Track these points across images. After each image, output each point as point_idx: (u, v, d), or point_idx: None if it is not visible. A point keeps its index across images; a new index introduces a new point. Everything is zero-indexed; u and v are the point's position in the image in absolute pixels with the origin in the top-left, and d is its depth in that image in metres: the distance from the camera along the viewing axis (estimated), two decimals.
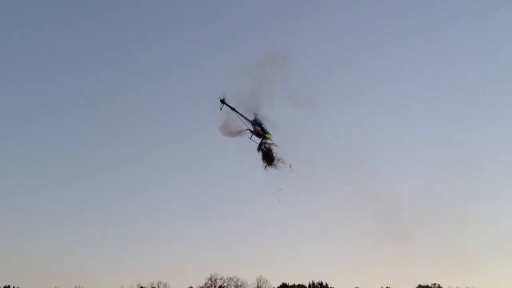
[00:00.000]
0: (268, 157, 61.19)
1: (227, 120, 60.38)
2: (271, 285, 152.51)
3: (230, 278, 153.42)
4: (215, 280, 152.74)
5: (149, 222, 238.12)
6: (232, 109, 58.77)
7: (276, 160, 60.85)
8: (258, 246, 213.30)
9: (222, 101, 57.99)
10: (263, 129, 59.99)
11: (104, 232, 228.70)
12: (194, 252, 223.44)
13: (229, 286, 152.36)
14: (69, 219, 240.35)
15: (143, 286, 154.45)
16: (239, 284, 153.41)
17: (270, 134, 60.53)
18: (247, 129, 59.92)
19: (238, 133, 61.04)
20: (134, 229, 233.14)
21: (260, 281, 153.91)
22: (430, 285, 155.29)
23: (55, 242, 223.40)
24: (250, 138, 60.25)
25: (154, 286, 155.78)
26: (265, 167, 61.12)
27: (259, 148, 60.89)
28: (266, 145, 60.76)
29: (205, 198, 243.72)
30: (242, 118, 59.35)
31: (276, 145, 61.27)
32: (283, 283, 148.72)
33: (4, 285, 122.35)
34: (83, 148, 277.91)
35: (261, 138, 60.57)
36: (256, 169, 62.00)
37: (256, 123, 59.89)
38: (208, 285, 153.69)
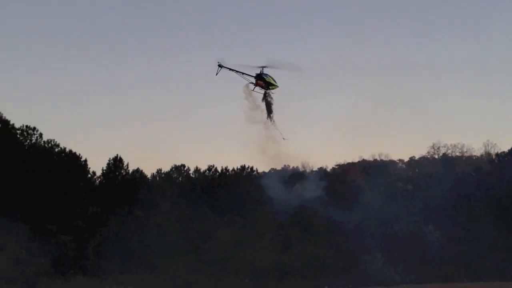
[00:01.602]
0: (268, 110, 67.79)
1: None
2: (500, 149, 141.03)
3: (454, 145, 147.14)
4: (438, 148, 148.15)
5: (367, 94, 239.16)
6: (231, 69, 63.34)
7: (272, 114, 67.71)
8: (485, 110, 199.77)
9: (220, 65, 62.57)
10: (265, 82, 64.34)
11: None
12: (415, 122, 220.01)
13: (453, 153, 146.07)
14: None
15: (365, 158, 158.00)
16: (465, 150, 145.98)
17: (275, 85, 65.03)
18: (250, 82, 64.71)
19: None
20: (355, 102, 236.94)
21: (488, 145, 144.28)
22: None
23: None
24: (253, 90, 65.43)
25: (375, 158, 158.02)
26: (267, 116, 67.88)
27: (263, 99, 66.50)
28: (268, 98, 66.71)
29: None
30: (244, 76, 64.43)
31: (272, 102, 67.55)
32: None
33: None
34: None
35: (265, 90, 65.52)
36: None
37: (259, 77, 64.19)
38: (431, 153, 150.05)
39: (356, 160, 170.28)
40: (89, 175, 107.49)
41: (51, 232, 78.29)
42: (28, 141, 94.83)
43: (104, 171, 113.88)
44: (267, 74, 64.64)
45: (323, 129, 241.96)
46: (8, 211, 71.47)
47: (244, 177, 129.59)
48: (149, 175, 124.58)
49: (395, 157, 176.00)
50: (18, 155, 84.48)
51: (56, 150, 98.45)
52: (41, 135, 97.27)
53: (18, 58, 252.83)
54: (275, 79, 65.16)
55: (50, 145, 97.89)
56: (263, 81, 64.32)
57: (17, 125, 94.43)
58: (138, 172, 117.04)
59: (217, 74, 63.04)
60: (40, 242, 77.31)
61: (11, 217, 71.53)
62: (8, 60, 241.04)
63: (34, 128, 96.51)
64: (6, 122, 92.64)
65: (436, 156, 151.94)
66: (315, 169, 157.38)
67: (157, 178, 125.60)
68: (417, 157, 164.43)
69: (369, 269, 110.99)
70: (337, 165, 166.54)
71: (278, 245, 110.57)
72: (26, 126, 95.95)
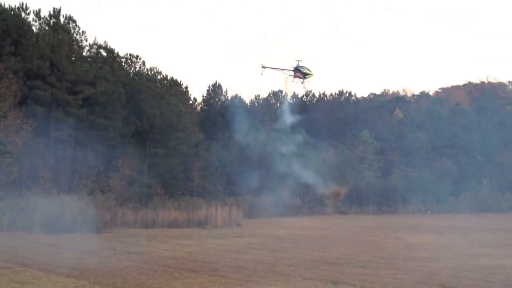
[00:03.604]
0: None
1: None
2: None
3: None
4: None
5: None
6: (273, 68, 73.75)
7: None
8: None
9: (263, 67, 72.48)
10: (302, 73, 73.50)
11: None
12: None
13: None
14: None
15: (471, 81, 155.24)
16: None
17: (311, 74, 73.92)
18: (289, 75, 74.48)
19: None
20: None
21: None
22: None
23: None
24: (292, 81, 75.14)
25: (483, 80, 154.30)
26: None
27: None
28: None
29: None
30: (284, 71, 74.49)
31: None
32: None
33: None
34: None
35: (302, 79, 74.70)
36: None
37: (296, 70, 73.54)
38: None
39: (461, 83, 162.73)
40: (191, 102, 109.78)
41: (159, 156, 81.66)
42: (132, 69, 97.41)
43: (204, 97, 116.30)
44: (303, 66, 73.31)
45: (424, 51, 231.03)
46: (125, 136, 75.14)
47: (342, 102, 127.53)
48: (247, 101, 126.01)
49: (505, 79, 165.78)
50: (124, 83, 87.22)
51: (159, 77, 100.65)
52: (144, 63, 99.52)
53: None
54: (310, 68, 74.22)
55: (152, 72, 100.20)
56: (300, 72, 73.89)
57: (121, 54, 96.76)
58: (237, 98, 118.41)
59: (261, 74, 73.14)
60: (149, 165, 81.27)
61: (125, 141, 75.39)
62: None
63: (137, 56, 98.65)
64: (111, 50, 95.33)
65: None
66: (416, 93, 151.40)
67: (255, 104, 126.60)
68: None
69: (474, 196, 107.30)
70: (440, 88, 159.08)
71: (378, 170, 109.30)
72: (130, 54, 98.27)
